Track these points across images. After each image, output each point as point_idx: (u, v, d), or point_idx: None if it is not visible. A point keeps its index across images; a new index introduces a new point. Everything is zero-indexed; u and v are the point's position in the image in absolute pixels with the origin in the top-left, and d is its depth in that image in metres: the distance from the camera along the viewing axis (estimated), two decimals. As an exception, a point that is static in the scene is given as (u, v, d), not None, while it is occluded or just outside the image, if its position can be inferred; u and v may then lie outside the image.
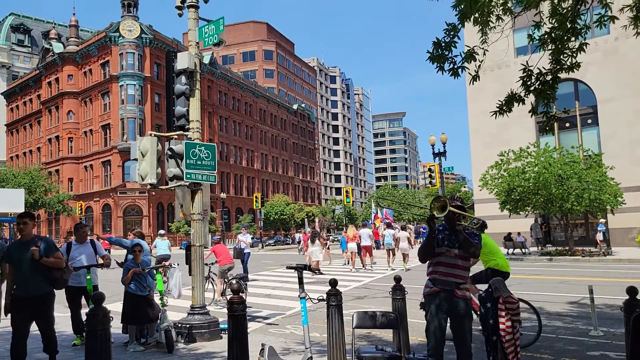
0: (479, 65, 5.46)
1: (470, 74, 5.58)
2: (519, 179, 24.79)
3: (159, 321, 7.86)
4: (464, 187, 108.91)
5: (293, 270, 5.76)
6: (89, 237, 8.73)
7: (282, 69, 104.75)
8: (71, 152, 64.76)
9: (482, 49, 5.42)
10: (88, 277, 8.17)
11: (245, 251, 17.94)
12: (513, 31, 29.94)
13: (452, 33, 5.23)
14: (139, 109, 59.70)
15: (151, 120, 59.76)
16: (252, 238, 24.57)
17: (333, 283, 5.69)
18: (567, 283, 14.67)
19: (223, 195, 59.09)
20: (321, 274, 6.36)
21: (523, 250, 27.82)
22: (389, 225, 31.60)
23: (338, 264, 25.63)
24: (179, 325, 8.23)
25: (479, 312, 5.88)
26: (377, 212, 39.97)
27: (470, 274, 5.05)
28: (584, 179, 23.60)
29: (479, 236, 5.00)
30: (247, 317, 6.28)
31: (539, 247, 28.93)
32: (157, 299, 8.10)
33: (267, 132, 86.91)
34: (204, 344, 8.01)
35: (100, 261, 8.54)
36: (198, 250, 8.53)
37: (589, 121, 32.59)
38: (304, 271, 5.80)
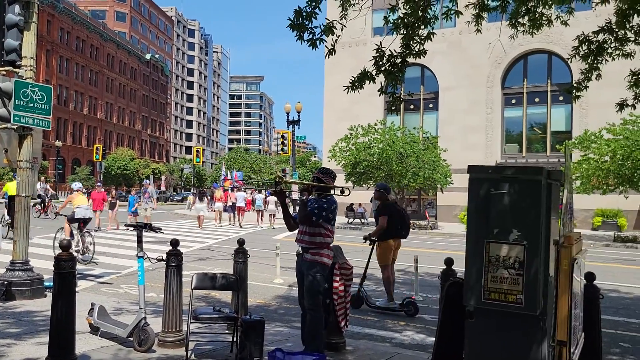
0: (336, 40, 5.60)
1: (327, 47, 5.71)
2: (364, 154, 26.22)
3: (-30, 277, 7.05)
4: (314, 156, 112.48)
5: (132, 229, 5.50)
6: None
7: (136, 13, 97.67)
8: None
9: (341, 24, 5.56)
10: None
11: None
12: (372, 10, 31.17)
13: (313, 3, 5.28)
14: (-39, 35, 51.83)
15: (-24, 51, 52.24)
16: (135, 195, 22.59)
17: (174, 243, 5.55)
18: (396, 252, 16.01)
19: (58, 143, 54.26)
20: (162, 232, 6.16)
21: (362, 220, 29.70)
22: (238, 189, 31.66)
23: (184, 224, 25.08)
24: (-4, 281, 7.47)
25: None
26: (226, 174, 39.71)
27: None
28: (421, 158, 25.71)
29: (322, 202, 5.19)
30: (78, 275, 5.90)
31: (376, 218, 31.03)
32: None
33: (114, 79, 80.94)
34: (25, 302, 7.37)
35: None
36: (24, 201, 7.75)
37: (431, 105, 35.38)
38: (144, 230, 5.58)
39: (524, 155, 32.84)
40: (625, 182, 21.10)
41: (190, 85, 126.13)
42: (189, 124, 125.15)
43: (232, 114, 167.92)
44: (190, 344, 5.20)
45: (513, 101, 33.60)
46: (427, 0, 5.68)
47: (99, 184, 24.85)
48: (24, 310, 6.92)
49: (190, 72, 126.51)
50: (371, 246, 8.42)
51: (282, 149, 33.00)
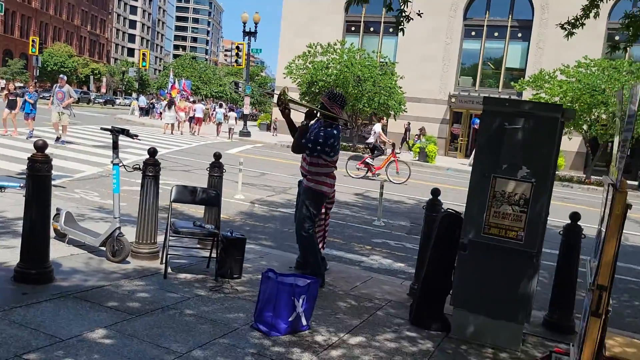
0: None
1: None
2: (321, 73, 25.64)
3: None
4: (263, 72, 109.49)
5: (99, 132, 5.10)
6: None
7: None
8: None
9: None
10: None
11: None
12: None
13: None
14: None
15: None
16: (33, 92, 16.53)
17: (152, 152, 5.22)
18: (349, 177, 16.08)
19: (-11, 31, 49.92)
20: (138, 138, 5.76)
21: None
22: (187, 99, 30.95)
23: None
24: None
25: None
26: (174, 82, 38.03)
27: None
28: (378, 83, 25.46)
29: (320, 134, 5.00)
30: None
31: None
32: None
33: (52, -34, 74.21)
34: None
35: None
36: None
37: (391, 30, 34.67)
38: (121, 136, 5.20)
39: (476, 89, 33.12)
40: (570, 125, 21.84)
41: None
42: (133, 24, 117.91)
43: (178, 18, 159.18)
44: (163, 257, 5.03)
45: (473, 33, 33.37)
46: None
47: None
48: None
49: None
50: None
51: (236, 61, 31.80)
